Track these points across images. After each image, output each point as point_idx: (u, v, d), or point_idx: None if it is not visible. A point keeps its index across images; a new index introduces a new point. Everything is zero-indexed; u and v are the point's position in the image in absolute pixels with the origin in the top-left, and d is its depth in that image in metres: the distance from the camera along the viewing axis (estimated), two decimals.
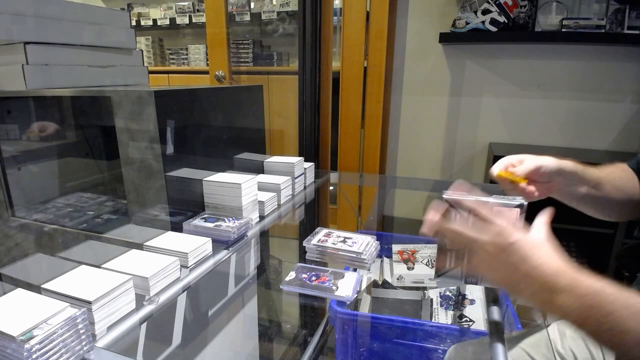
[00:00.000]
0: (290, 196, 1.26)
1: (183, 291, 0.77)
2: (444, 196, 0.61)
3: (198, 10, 2.90)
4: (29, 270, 0.78)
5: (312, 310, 1.27)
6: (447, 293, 1.09)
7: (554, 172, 0.70)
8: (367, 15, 1.88)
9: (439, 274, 0.65)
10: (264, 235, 1.06)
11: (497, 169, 0.69)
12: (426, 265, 1.16)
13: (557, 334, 0.76)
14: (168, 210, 0.96)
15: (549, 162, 0.69)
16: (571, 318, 0.47)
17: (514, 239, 0.52)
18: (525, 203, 0.59)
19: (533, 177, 0.68)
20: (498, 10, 1.75)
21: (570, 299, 0.47)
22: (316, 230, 1.00)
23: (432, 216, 0.60)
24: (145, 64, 1.47)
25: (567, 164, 0.72)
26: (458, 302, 1.05)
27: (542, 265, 0.50)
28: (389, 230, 1.54)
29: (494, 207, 0.59)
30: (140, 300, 0.70)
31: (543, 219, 0.56)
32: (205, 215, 1.02)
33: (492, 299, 0.68)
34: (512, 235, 0.52)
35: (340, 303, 0.91)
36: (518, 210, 0.58)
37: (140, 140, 0.92)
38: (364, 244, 0.93)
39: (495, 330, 0.59)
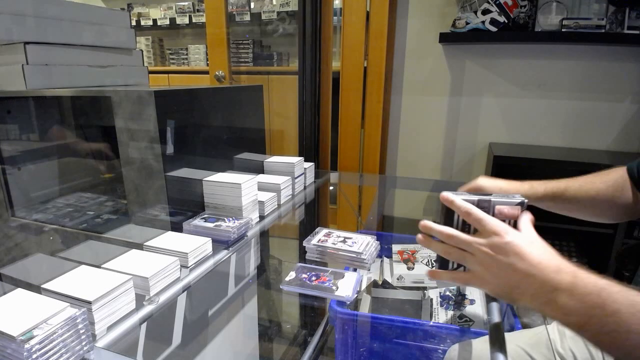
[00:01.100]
0: (290, 196, 1.26)
1: (183, 291, 0.77)
2: (442, 194, 0.61)
3: (198, 10, 2.90)
4: (29, 270, 0.78)
5: (312, 310, 1.27)
6: (447, 293, 1.09)
7: None
8: (367, 15, 1.88)
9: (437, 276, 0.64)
10: (264, 235, 1.06)
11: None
12: (426, 265, 1.16)
13: (557, 334, 0.76)
14: (168, 210, 0.96)
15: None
16: (573, 319, 0.45)
17: (510, 238, 0.51)
18: (526, 201, 0.58)
19: None
20: (498, 10, 1.75)
21: (573, 298, 0.45)
22: (316, 230, 1.00)
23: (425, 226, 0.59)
24: (145, 64, 1.47)
25: (544, 194, 0.77)
26: (458, 302, 1.05)
27: (541, 262, 0.48)
28: (389, 230, 1.54)
29: (496, 205, 0.58)
30: (140, 300, 0.70)
31: (527, 218, 0.56)
32: (205, 215, 1.02)
33: (492, 298, 0.68)
34: (508, 233, 0.51)
35: (340, 303, 0.91)
36: (519, 207, 0.58)
37: (140, 140, 0.92)
38: (364, 244, 0.93)
39: (495, 330, 0.59)
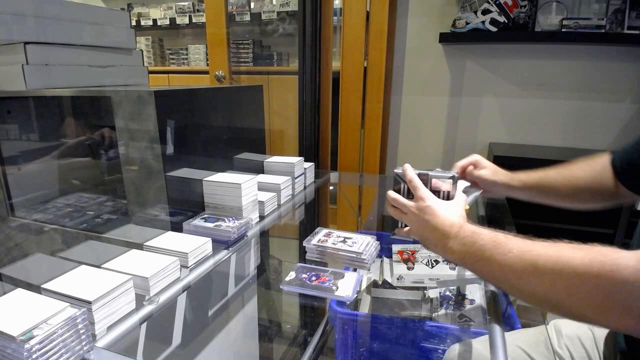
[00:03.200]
0: (290, 196, 1.26)
1: (183, 291, 0.77)
2: (394, 170, 0.79)
3: (198, 10, 2.90)
4: (29, 270, 0.78)
5: (312, 310, 1.27)
6: (447, 293, 1.09)
7: (490, 182, 0.89)
8: (367, 15, 1.88)
9: (392, 233, 0.83)
10: (264, 235, 1.06)
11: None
12: (426, 265, 1.16)
13: (554, 334, 0.76)
14: (168, 210, 0.96)
15: (490, 173, 0.89)
16: (457, 256, 0.62)
17: (430, 203, 0.69)
18: (457, 175, 0.76)
19: (466, 174, 0.92)
20: (498, 10, 1.75)
21: (456, 242, 0.62)
22: (316, 230, 1.00)
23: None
24: (145, 64, 1.47)
25: (520, 182, 0.88)
26: (458, 302, 1.05)
27: (443, 220, 0.66)
28: (389, 230, 1.54)
29: (433, 178, 0.75)
30: (140, 300, 0.70)
31: (462, 197, 0.74)
32: (205, 215, 1.02)
33: (492, 298, 0.68)
34: (429, 200, 0.70)
35: (340, 303, 0.91)
36: (451, 180, 0.75)
37: (140, 140, 0.92)
38: (364, 244, 0.93)
39: (495, 329, 0.59)
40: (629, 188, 0.75)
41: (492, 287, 0.71)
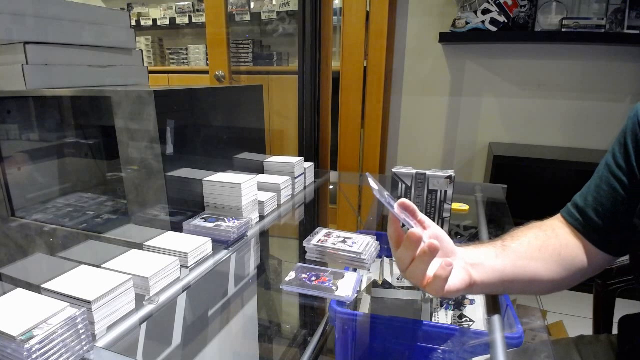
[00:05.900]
0: (290, 196, 1.26)
1: (183, 291, 0.77)
2: (393, 170, 0.77)
3: (198, 10, 2.90)
4: (29, 270, 0.78)
5: (312, 310, 1.27)
6: None
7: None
8: (367, 15, 1.88)
9: None
10: (264, 235, 1.06)
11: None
12: None
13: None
14: (168, 210, 0.96)
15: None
16: None
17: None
18: (454, 174, 0.73)
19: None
20: (498, 10, 1.75)
21: None
22: (316, 230, 1.00)
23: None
24: (145, 64, 1.47)
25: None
26: (458, 302, 1.05)
27: None
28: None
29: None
30: (140, 300, 0.70)
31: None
32: (205, 215, 1.01)
33: (492, 298, 0.68)
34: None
35: (340, 303, 0.91)
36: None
37: (140, 140, 0.92)
38: (364, 244, 0.93)
39: (495, 329, 0.59)
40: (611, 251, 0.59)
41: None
